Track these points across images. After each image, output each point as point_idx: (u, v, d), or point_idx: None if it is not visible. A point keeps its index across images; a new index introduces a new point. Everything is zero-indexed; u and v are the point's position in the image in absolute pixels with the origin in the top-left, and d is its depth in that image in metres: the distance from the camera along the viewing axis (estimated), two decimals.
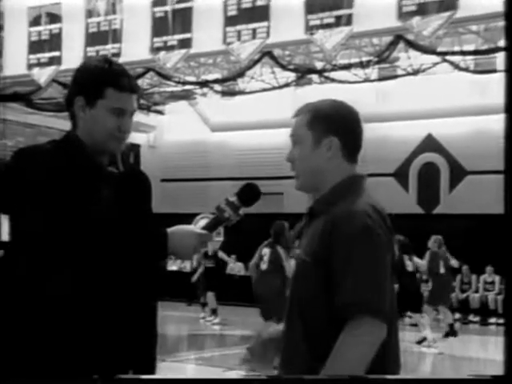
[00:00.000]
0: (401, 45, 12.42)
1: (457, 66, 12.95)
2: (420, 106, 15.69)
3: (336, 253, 1.85)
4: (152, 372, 2.18)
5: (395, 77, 14.08)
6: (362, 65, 13.35)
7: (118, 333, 2.06)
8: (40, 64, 15.21)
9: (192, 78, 15.54)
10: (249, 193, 2.12)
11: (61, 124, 21.78)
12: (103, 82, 2.08)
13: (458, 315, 13.96)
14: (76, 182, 2.01)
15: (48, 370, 1.95)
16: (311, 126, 1.98)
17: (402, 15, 11.92)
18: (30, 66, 15.32)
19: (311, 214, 2.00)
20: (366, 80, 13.95)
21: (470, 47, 12.81)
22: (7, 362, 1.97)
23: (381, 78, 14.34)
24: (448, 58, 12.78)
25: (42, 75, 15.22)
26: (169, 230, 2.07)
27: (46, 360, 1.96)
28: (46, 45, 15.02)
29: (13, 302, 1.99)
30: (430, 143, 16.24)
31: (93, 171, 2.08)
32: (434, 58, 13.07)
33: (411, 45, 12.41)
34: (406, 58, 13.61)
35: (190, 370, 8.33)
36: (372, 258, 1.85)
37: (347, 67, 13.54)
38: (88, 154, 2.08)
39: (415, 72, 13.69)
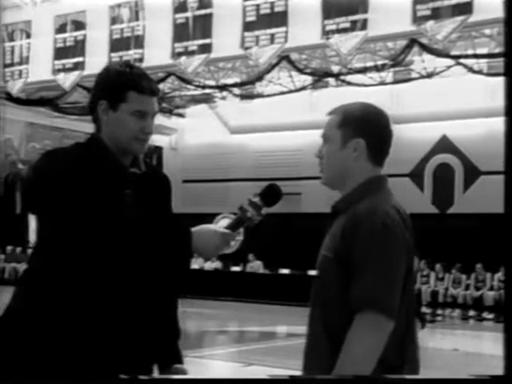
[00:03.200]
0: (415, 48, 12.62)
1: (470, 69, 13.07)
2: (435, 108, 15.78)
3: (355, 249, 1.89)
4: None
5: (410, 80, 14.24)
6: (377, 68, 13.54)
7: (143, 330, 2.09)
8: (65, 69, 15.56)
9: (212, 82, 15.84)
10: (271, 193, 2.15)
11: (85, 127, 22.25)
12: (125, 85, 2.09)
13: (472, 312, 14.10)
14: (101, 183, 2.02)
15: (74, 369, 1.96)
16: (341, 126, 2.02)
17: (417, 19, 12.07)
18: (56, 72, 15.69)
19: (334, 212, 2.06)
20: (381, 83, 14.17)
21: (483, 50, 12.94)
22: (32, 359, 1.99)
23: (396, 81, 14.53)
24: (461, 61, 12.91)
25: (67, 80, 15.55)
26: (193, 229, 2.06)
27: (72, 359, 1.97)
28: (70, 51, 15.39)
29: (41, 299, 2.01)
30: (444, 144, 16.37)
31: (117, 172, 2.09)
32: (448, 61, 13.21)
33: (425, 48, 12.56)
34: (421, 62, 13.79)
35: (210, 366, 8.37)
36: (387, 256, 1.89)
37: (363, 71, 13.73)
38: (112, 155, 2.10)
39: (429, 75, 13.86)
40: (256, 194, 2.14)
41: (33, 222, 19.46)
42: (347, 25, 12.65)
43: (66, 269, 1.99)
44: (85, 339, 1.99)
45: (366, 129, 2.02)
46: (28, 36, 15.97)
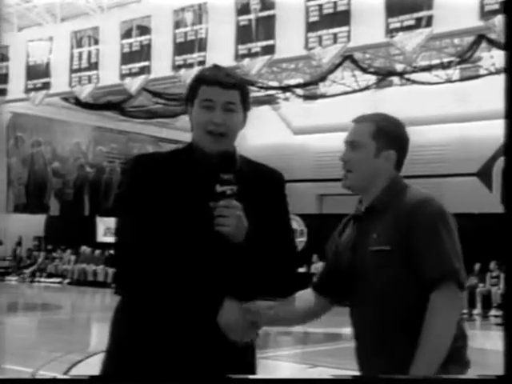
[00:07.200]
0: (483, 44, 12.37)
1: None
2: (503, 105, 15.49)
3: (418, 234, 2.00)
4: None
5: (477, 76, 13.96)
6: (443, 66, 13.32)
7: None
8: (131, 74, 15.90)
9: (275, 83, 15.93)
10: (224, 161, 2.06)
11: (150, 130, 22.63)
12: (197, 81, 2.09)
13: None
14: (190, 188, 2.01)
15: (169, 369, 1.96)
16: (375, 136, 2.16)
17: (484, 14, 11.72)
18: (122, 76, 16.04)
19: (370, 212, 2.17)
20: (448, 81, 13.91)
21: None
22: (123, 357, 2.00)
23: (463, 79, 14.25)
24: None
25: (133, 84, 15.88)
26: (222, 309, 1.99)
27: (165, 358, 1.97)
28: (136, 55, 15.69)
29: (133, 299, 2.01)
30: None
31: (205, 175, 2.03)
32: None
33: (494, 44, 12.25)
34: (489, 58, 13.50)
35: (275, 367, 8.40)
36: (452, 235, 2.03)
37: (428, 69, 13.54)
38: (204, 159, 2.05)
39: (498, 71, 13.53)
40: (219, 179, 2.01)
41: (101, 224, 19.93)
42: (412, 22, 12.45)
43: (163, 273, 1.96)
44: (177, 338, 1.98)
45: (399, 142, 2.18)
46: (96, 42, 16.39)
